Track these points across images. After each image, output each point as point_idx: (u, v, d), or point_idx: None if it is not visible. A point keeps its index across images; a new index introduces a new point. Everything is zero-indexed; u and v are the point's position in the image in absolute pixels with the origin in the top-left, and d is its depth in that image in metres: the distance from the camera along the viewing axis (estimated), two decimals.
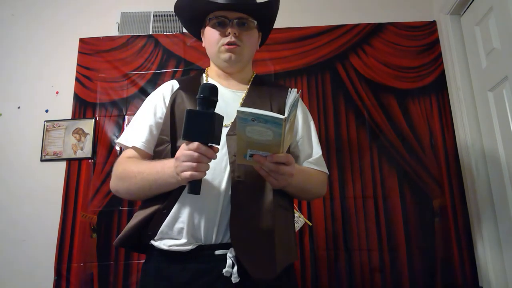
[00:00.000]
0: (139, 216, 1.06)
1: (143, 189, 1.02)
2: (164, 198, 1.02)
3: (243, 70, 1.24)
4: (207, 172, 0.90)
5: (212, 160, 0.90)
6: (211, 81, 1.22)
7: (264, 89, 1.22)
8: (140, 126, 1.13)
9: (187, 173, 0.87)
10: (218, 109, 0.93)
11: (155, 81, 2.17)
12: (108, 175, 2.02)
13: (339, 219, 1.93)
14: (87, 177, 2.04)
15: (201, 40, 1.28)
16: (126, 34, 2.28)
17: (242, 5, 1.16)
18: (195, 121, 0.86)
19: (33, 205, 2.02)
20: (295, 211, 1.84)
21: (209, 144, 0.88)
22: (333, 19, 2.26)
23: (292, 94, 0.87)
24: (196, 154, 0.87)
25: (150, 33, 2.28)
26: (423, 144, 2.03)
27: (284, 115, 0.82)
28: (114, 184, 1.09)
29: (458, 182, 1.96)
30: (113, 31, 2.29)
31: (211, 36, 1.18)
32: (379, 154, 2.02)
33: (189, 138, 0.88)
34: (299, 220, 1.90)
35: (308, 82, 2.14)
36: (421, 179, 1.98)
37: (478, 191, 1.85)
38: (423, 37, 2.18)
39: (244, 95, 1.18)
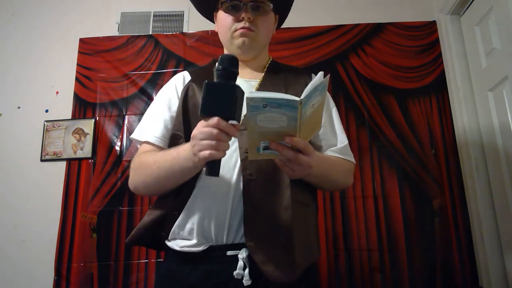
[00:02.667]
0: (151, 214, 1.03)
1: (160, 179, 0.96)
2: (175, 197, 0.99)
3: (258, 56, 1.16)
4: None
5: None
6: None
7: (280, 75, 1.14)
8: (154, 121, 1.07)
9: (206, 152, 0.78)
10: None
11: (155, 81, 2.17)
12: (108, 175, 2.02)
13: (339, 219, 1.93)
14: (87, 177, 2.03)
15: (214, 22, 1.22)
16: (126, 34, 2.28)
17: None
18: (214, 94, 0.76)
19: (33, 205, 2.02)
20: None
21: (229, 122, 0.79)
22: (334, 19, 2.26)
23: (317, 77, 0.75)
24: (215, 130, 0.77)
25: (150, 33, 2.28)
26: (423, 144, 2.03)
27: (300, 97, 0.72)
28: (132, 179, 1.04)
29: (458, 182, 1.96)
30: (113, 31, 2.29)
31: (223, 21, 1.11)
32: (379, 154, 2.02)
33: (208, 113, 0.78)
34: None
35: None
36: (421, 179, 1.98)
37: (478, 191, 1.85)
38: (423, 37, 2.18)
39: (257, 84, 1.11)
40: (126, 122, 2.12)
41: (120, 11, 2.34)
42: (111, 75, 2.20)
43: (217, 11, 1.15)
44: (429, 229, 1.91)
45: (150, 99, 2.14)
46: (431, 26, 2.20)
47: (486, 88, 1.84)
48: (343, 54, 2.18)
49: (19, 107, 2.19)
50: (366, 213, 1.94)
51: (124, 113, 2.14)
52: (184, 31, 2.26)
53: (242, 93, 0.79)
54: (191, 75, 1.14)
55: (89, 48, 2.25)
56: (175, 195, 0.99)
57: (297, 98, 0.72)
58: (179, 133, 1.03)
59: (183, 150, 0.88)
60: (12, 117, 2.18)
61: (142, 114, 2.12)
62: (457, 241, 1.88)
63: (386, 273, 1.85)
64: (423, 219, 1.92)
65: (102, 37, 2.27)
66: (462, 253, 1.86)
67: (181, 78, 1.13)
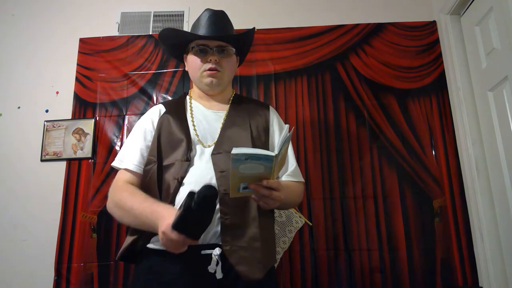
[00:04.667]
0: (132, 236, 1.18)
1: (134, 223, 1.14)
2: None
3: (223, 91, 1.37)
4: (192, 182, 1.10)
5: (197, 173, 1.12)
6: (194, 102, 1.35)
7: (242, 107, 1.35)
8: (132, 149, 1.26)
9: (169, 249, 0.99)
10: (202, 130, 1.21)
11: (155, 81, 2.17)
12: (108, 175, 2.02)
13: (339, 219, 1.93)
14: (87, 177, 2.03)
15: (182, 62, 1.43)
16: (126, 34, 2.28)
17: (221, 36, 1.30)
18: (189, 220, 0.91)
19: (33, 205, 2.02)
20: (295, 211, 1.85)
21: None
22: (333, 19, 2.25)
23: (285, 131, 0.98)
24: (180, 246, 0.96)
25: (150, 33, 2.28)
26: (423, 144, 2.03)
27: (275, 152, 0.92)
28: (110, 208, 1.19)
29: (458, 182, 1.96)
30: (113, 31, 2.29)
31: (193, 63, 1.32)
32: (379, 154, 2.02)
33: (179, 231, 0.92)
34: (299, 220, 1.90)
35: (308, 82, 2.14)
36: (421, 179, 1.98)
37: (478, 191, 1.85)
38: (423, 37, 2.18)
39: (224, 115, 1.30)
40: (126, 122, 2.12)
41: (120, 11, 2.34)
42: (111, 75, 2.20)
43: (187, 53, 1.36)
44: (429, 229, 1.91)
45: (150, 99, 2.15)
46: (431, 26, 2.20)
47: (486, 88, 1.84)
48: (343, 54, 2.18)
49: (19, 107, 2.19)
50: (366, 213, 1.94)
51: (124, 113, 2.13)
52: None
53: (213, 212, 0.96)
54: (165, 107, 1.33)
55: (89, 48, 2.25)
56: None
57: (273, 154, 0.93)
58: (152, 158, 1.21)
59: (156, 219, 1.02)
60: (12, 117, 2.18)
61: (142, 114, 2.11)
62: (457, 241, 1.88)
63: (386, 273, 1.85)
64: (423, 219, 1.92)
65: (102, 37, 2.27)
66: (462, 253, 1.87)
67: (157, 111, 1.32)
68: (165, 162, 1.19)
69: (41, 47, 2.29)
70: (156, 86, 2.17)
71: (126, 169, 1.23)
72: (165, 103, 1.37)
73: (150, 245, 1.13)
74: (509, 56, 1.65)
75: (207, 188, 0.90)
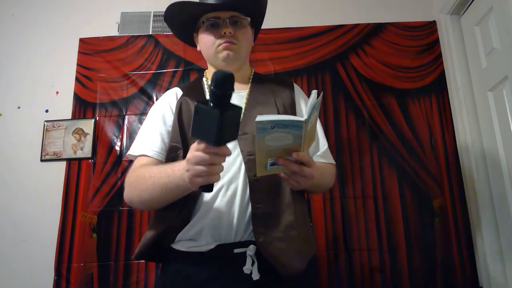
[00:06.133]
0: (155, 227, 1.05)
1: (155, 195, 0.97)
2: (181, 209, 1.00)
3: (241, 68, 1.22)
4: (221, 174, 0.83)
5: (226, 162, 0.84)
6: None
7: (265, 85, 1.22)
8: (151, 135, 1.11)
9: (199, 179, 0.81)
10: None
11: (155, 81, 2.17)
12: (108, 175, 2.02)
13: (339, 219, 1.93)
14: (87, 177, 2.03)
15: (194, 46, 1.28)
16: (126, 34, 2.28)
17: (232, 3, 1.14)
18: (202, 119, 0.76)
19: (33, 205, 2.02)
20: None
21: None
22: (333, 19, 2.25)
23: (313, 96, 0.85)
24: (207, 156, 0.79)
25: (150, 33, 2.28)
26: (423, 144, 2.03)
27: (304, 117, 0.81)
28: (127, 193, 1.05)
29: (458, 182, 1.96)
30: (113, 31, 2.29)
31: (206, 39, 1.17)
32: (379, 154, 2.02)
33: (196, 137, 0.79)
34: None
35: (308, 82, 2.14)
36: (421, 179, 1.98)
37: (478, 191, 1.85)
38: (423, 37, 2.18)
39: (246, 94, 1.18)
40: (126, 122, 2.12)
41: (120, 11, 2.33)
42: (111, 75, 2.20)
43: (197, 32, 1.21)
44: (429, 229, 1.91)
45: (150, 99, 2.15)
46: (431, 26, 2.20)
47: (486, 88, 1.84)
48: (343, 54, 2.18)
49: (19, 107, 2.19)
50: (366, 213, 1.94)
51: (124, 113, 2.13)
52: None
53: (235, 114, 0.78)
54: (182, 90, 1.20)
55: (89, 48, 2.25)
56: (181, 207, 1.01)
57: (302, 119, 0.80)
58: (177, 144, 1.06)
59: (178, 170, 0.89)
60: (12, 117, 2.18)
61: (142, 114, 2.13)
62: (457, 241, 1.88)
63: (386, 273, 1.85)
64: (423, 219, 1.92)
65: (102, 37, 2.27)
66: (462, 253, 1.87)
67: (174, 94, 1.19)
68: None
69: (41, 47, 2.29)
70: (156, 86, 2.17)
71: (144, 155, 1.08)
72: (182, 87, 1.23)
73: (176, 247, 1.02)
74: (509, 56, 1.65)
75: (218, 72, 0.74)
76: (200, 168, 0.79)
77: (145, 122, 1.17)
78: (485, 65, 1.86)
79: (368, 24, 2.22)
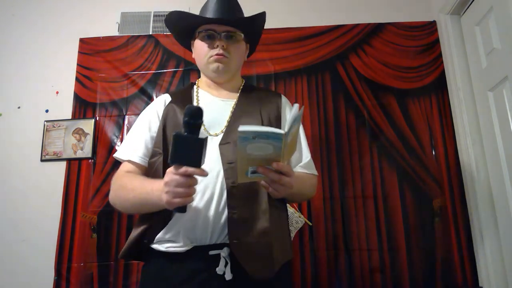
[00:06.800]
0: (138, 229, 1.12)
1: (136, 206, 1.09)
2: (160, 211, 1.05)
3: (232, 79, 1.29)
4: (199, 179, 0.93)
5: (204, 165, 0.91)
6: (201, 91, 1.27)
7: (253, 95, 1.28)
8: (136, 141, 1.19)
9: (177, 200, 0.90)
10: (209, 119, 1.03)
11: (155, 81, 2.17)
12: (108, 175, 2.02)
13: (339, 219, 1.93)
14: (87, 177, 2.03)
15: (191, 51, 1.34)
16: (126, 34, 2.28)
17: (230, 19, 1.22)
18: (182, 146, 0.86)
19: (33, 205, 2.02)
20: (295, 211, 1.84)
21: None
22: (333, 19, 2.26)
23: (294, 110, 0.89)
24: (184, 179, 0.89)
25: (150, 33, 2.28)
26: (423, 144, 2.03)
27: (284, 130, 0.86)
28: (111, 197, 1.15)
29: (458, 182, 1.96)
30: (113, 31, 2.29)
31: (200, 49, 1.25)
32: (379, 154, 2.02)
33: (176, 163, 0.88)
34: (299, 220, 1.90)
35: (308, 82, 2.14)
36: (421, 179, 1.98)
37: (478, 191, 1.85)
38: (423, 37, 2.18)
39: (234, 103, 1.23)
40: (126, 122, 2.12)
41: (120, 11, 2.34)
42: (111, 75, 2.20)
43: (194, 40, 1.29)
44: (429, 229, 1.91)
45: (150, 99, 2.14)
46: (431, 26, 2.20)
47: (486, 88, 1.84)
48: (343, 54, 2.18)
49: (19, 107, 2.19)
50: (366, 213, 1.94)
51: (124, 113, 2.14)
52: None
53: (204, 141, 0.87)
54: (171, 97, 1.26)
55: (89, 48, 2.25)
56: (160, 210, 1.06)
57: (282, 131, 0.86)
58: (158, 149, 1.14)
59: (156, 190, 0.96)
60: (12, 117, 2.18)
61: None
62: (457, 241, 1.88)
63: (386, 273, 1.85)
64: (423, 219, 1.92)
65: (102, 37, 2.27)
66: (462, 253, 1.87)
67: (162, 101, 1.24)
68: None
69: (41, 47, 2.29)
70: (156, 86, 2.17)
71: (129, 161, 1.17)
72: (171, 93, 1.29)
73: (156, 246, 1.07)
74: (509, 56, 1.65)
75: (191, 106, 0.87)
76: (180, 190, 0.89)
77: (132, 127, 1.25)
78: (485, 65, 1.86)
79: (368, 24, 2.22)
